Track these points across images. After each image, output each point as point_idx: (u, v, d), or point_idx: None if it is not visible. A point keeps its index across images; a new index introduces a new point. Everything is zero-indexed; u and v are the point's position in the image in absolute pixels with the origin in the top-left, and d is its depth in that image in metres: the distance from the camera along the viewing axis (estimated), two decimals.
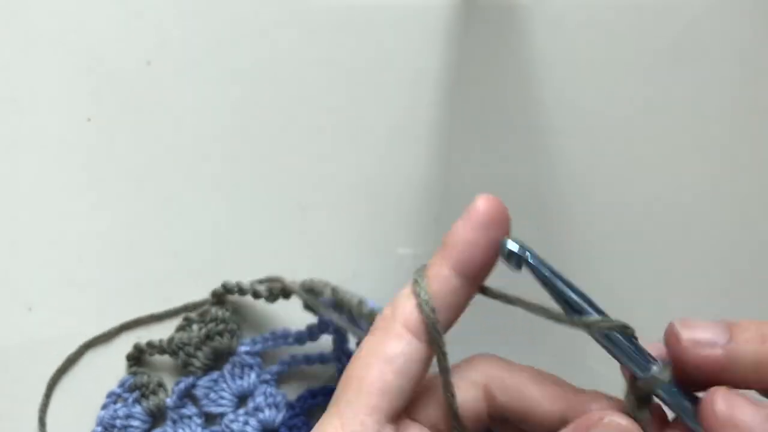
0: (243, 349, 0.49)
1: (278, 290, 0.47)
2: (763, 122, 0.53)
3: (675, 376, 0.28)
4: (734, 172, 0.53)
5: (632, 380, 0.29)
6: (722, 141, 0.53)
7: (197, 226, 0.52)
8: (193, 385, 0.48)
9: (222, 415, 0.48)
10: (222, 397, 0.48)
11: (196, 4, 0.54)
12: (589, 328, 0.29)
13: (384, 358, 0.29)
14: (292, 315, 0.49)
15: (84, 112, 0.53)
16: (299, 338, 0.48)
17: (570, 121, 0.53)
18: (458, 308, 0.31)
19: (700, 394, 0.28)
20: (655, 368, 0.28)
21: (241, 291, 0.48)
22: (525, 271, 0.31)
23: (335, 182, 0.52)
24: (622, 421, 0.27)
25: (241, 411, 0.48)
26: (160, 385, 0.49)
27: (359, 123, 0.53)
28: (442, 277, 0.30)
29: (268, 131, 0.53)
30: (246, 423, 0.47)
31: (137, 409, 0.48)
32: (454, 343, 0.31)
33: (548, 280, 0.29)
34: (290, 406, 0.48)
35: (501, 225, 0.31)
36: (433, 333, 0.29)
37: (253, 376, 0.48)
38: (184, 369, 0.49)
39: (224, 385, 0.48)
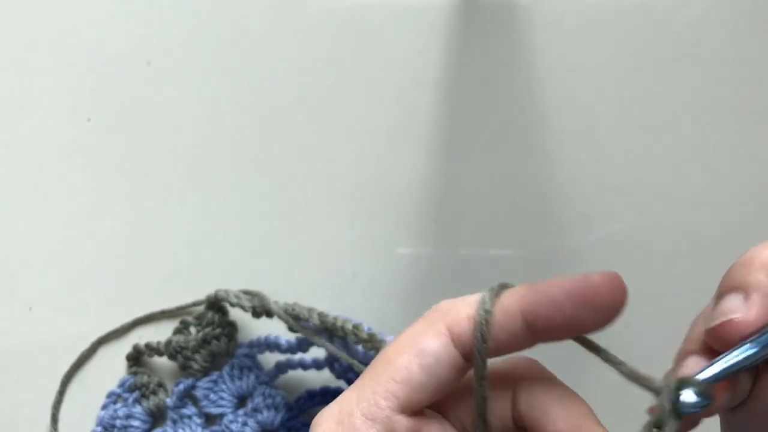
0: (242, 351, 0.49)
1: (261, 310, 0.47)
2: (763, 122, 0.53)
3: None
4: (734, 171, 0.53)
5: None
6: (722, 141, 0.53)
7: (197, 225, 0.52)
8: (193, 386, 0.48)
9: (221, 415, 0.48)
10: (221, 398, 0.48)
11: (196, 4, 0.54)
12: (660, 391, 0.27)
13: (416, 350, 0.28)
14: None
15: (84, 112, 0.53)
16: (289, 349, 0.48)
17: (570, 121, 0.53)
18: (507, 349, 0.29)
19: None
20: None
21: (230, 303, 0.48)
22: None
23: (335, 182, 0.52)
24: None
25: (240, 412, 0.48)
26: (160, 385, 0.49)
27: (359, 123, 0.53)
28: (510, 314, 0.28)
29: (268, 131, 0.53)
30: (245, 424, 0.47)
31: (137, 409, 0.48)
32: None
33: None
34: (289, 407, 0.48)
35: (603, 313, 0.27)
36: (478, 359, 0.28)
37: (252, 377, 0.48)
38: (183, 371, 0.49)
39: (224, 386, 0.48)
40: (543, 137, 0.53)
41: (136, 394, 0.48)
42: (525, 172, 0.53)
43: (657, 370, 0.30)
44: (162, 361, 0.50)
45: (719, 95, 0.54)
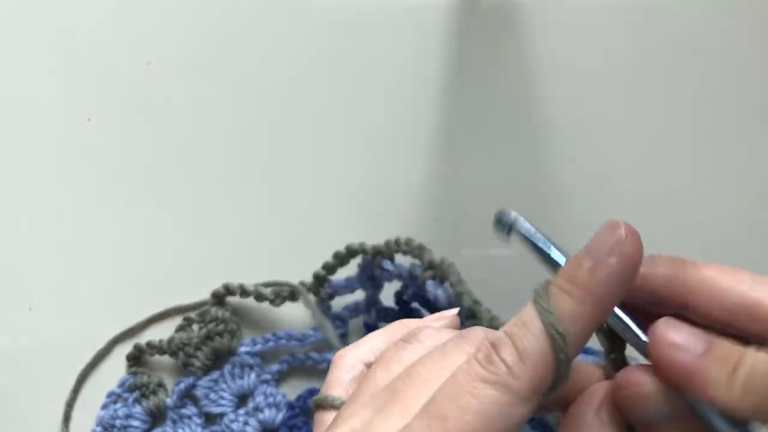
0: (243, 349, 0.49)
1: (286, 294, 0.48)
2: (763, 122, 0.53)
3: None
4: (735, 171, 0.53)
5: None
6: (722, 140, 0.53)
7: (197, 225, 0.51)
8: (193, 385, 0.48)
9: (222, 415, 0.48)
10: (222, 397, 0.48)
11: (196, 4, 0.54)
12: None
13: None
14: (291, 316, 0.49)
15: (84, 112, 0.53)
16: (294, 342, 0.49)
17: (570, 121, 0.53)
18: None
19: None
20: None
21: (244, 293, 0.48)
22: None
23: (335, 182, 0.52)
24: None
25: (241, 411, 0.48)
26: (160, 385, 0.49)
27: (359, 123, 0.53)
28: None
29: (268, 131, 0.53)
30: (246, 423, 0.47)
31: (137, 409, 0.48)
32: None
33: (537, 246, 0.29)
34: (290, 406, 0.48)
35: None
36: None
37: (253, 376, 0.48)
38: (184, 369, 0.49)
39: (224, 385, 0.48)
40: (543, 137, 0.53)
41: (135, 393, 0.48)
42: (525, 173, 0.53)
43: None
44: (163, 360, 0.50)
45: (719, 95, 0.54)
